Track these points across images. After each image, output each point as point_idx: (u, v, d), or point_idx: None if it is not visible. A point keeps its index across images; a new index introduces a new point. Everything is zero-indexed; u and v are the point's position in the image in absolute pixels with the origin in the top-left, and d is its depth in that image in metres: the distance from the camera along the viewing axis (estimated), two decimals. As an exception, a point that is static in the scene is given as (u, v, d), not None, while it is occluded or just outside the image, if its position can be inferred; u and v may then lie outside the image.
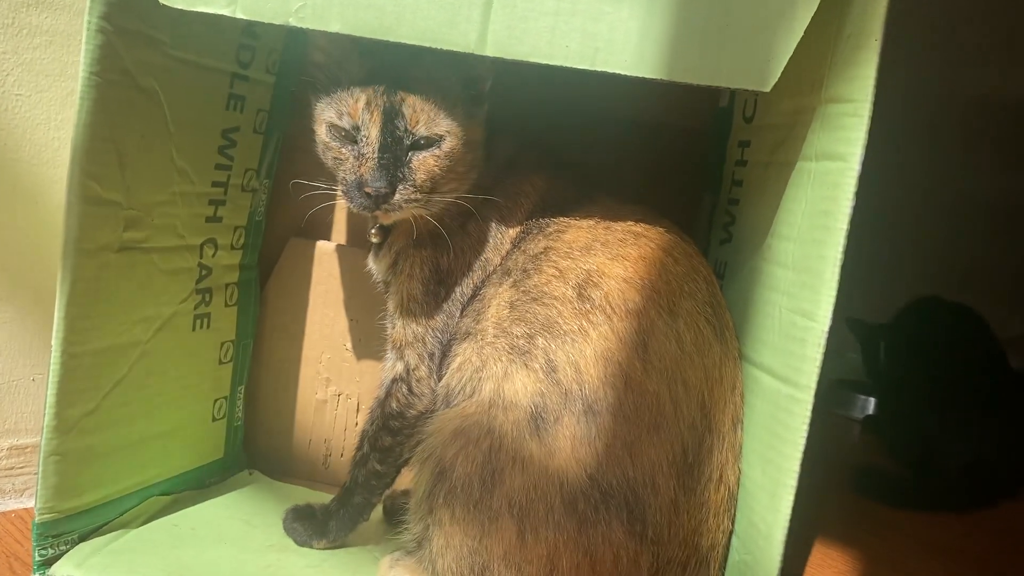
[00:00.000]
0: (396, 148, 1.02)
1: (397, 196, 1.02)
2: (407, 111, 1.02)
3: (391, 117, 1.01)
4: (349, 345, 1.42)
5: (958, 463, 1.79)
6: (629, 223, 1.07)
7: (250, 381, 1.41)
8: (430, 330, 1.14)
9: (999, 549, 1.56)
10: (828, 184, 0.89)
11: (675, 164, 1.33)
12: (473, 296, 1.13)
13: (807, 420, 0.89)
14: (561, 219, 1.10)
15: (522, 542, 0.93)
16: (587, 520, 0.92)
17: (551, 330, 0.99)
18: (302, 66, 1.32)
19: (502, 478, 0.94)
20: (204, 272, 1.24)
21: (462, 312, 1.13)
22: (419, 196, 1.04)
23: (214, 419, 1.33)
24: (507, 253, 1.13)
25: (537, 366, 0.98)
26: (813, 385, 0.89)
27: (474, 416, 1.00)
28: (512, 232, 1.14)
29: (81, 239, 1.01)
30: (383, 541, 1.25)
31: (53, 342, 1.01)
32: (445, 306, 1.14)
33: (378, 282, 1.22)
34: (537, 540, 0.92)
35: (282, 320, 1.43)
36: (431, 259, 1.14)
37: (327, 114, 1.05)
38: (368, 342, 1.42)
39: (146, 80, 1.05)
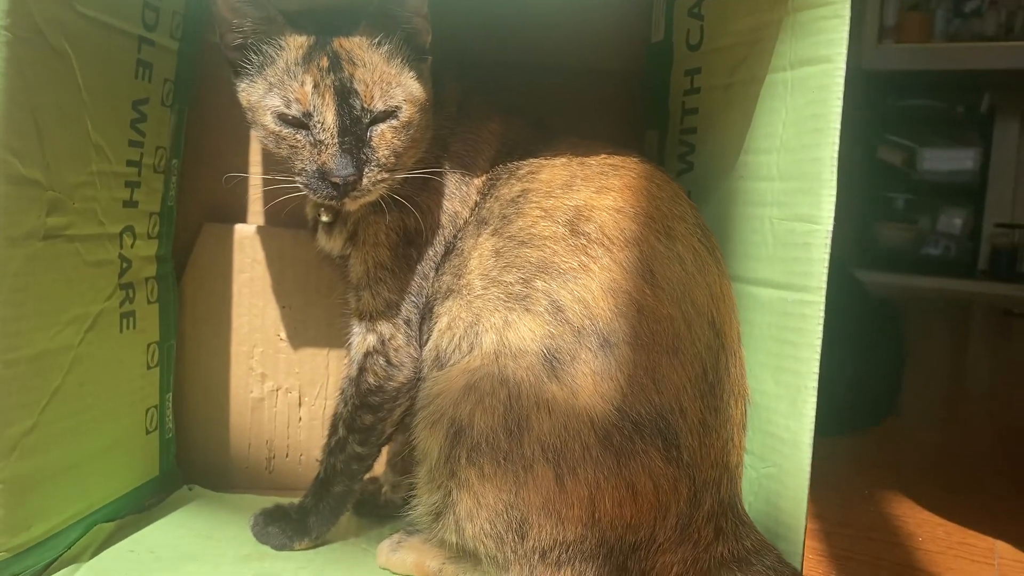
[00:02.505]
0: (356, 128, 0.94)
1: (365, 180, 0.95)
2: (360, 87, 0.95)
3: (345, 97, 0.94)
4: (283, 335, 1.31)
5: (842, 389, 1.92)
6: (602, 156, 1.05)
7: (176, 386, 1.26)
8: (404, 295, 1.07)
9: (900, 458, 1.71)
10: (812, 88, 0.91)
11: (608, 107, 1.32)
12: (447, 253, 1.07)
13: (821, 321, 0.91)
14: (531, 160, 1.07)
15: (561, 486, 0.89)
16: (625, 452, 0.89)
17: (548, 271, 0.96)
18: (206, 29, 1.21)
19: (528, 424, 0.90)
20: (125, 265, 1.10)
21: (437, 271, 1.07)
22: (386, 175, 0.97)
23: (147, 431, 1.18)
24: (476, 203, 1.08)
25: (541, 308, 0.94)
26: (824, 286, 0.90)
27: (482, 369, 0.94)
28: (478, 181, 1.09)
29: (7, 225, 0.86)
30: (362, 533, 1.17)
31: (-15, 349, 0.85)
32: (419, 268, 1.07)
33: (333, 258, 1.13)
34: (577, 481, 0.88)
35: (204, 315, 1.29)
36: (396, 222, 1.07)
37: (270, 102, 0.95)
38: (304, 329, 1.31)
39: (57, 40, 0.91)
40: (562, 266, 0.95)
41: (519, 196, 1.03)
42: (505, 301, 0.97)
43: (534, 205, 1.01)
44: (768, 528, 0.97)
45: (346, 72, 0.94)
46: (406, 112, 0.97)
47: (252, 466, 1.33)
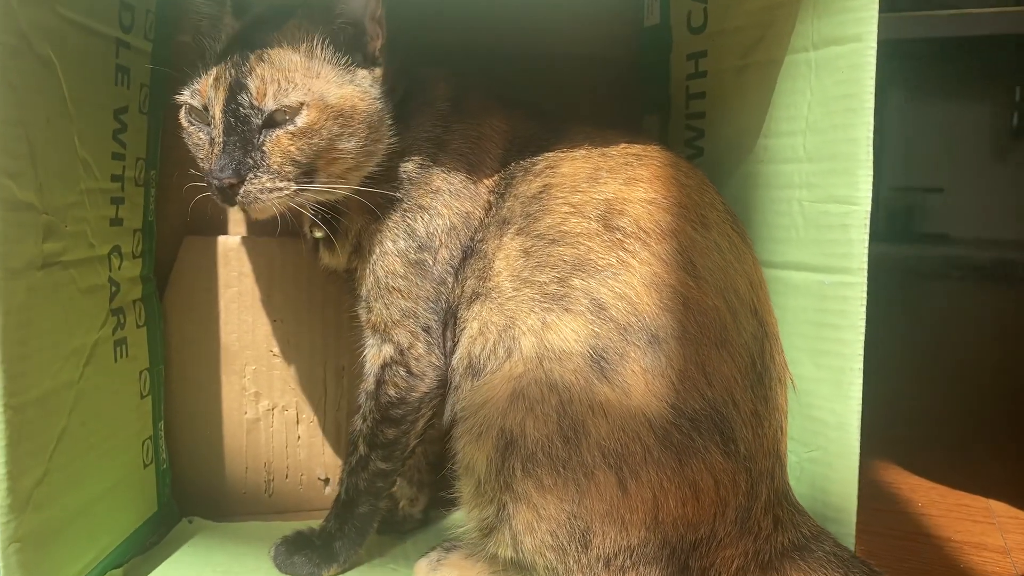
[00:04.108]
0: (243, 128, 0.88)
1: (249, 186, 0.88)
2: (253, 83, 0.88)
3: (235, 92, 0.88)
4: (276, 350, 1.24)
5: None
6: (623, 146, 1.02)
7: (166, 413, 1.18)
8: (421, 302, 1.02)
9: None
10: (842, 68, 0.90)
11: (601, 93, 1.30)
12: (466, 256, 1.03)
13: (863, 303, 0.91)
14: (546, 155, 1.03)
15: (624, 491, 0.86)
16: (685, 450, 0.87)
17: (584, 268, 0.92)
18: (176, 28, 1.12)
19: (585, 429, 0.87)
20: (114, 288, 1.01)
21: (456, 275, 1.02)
22: (283, 184, 0.89)
23: (144, 465, 1.09)
24: (491, 202, 1.04)
25: (582, 308, 0.91)
26: (865, 267, 0.90)
27: (527, 375, 0.90)
28: (488, 180, 1.05)
29: (7, 255, 0.77)
30: (385, 551, 1.12)
31: (-10, 395, 0.76)
32: (434, 272, 1.02)
33: (339, 273, 1.08)
34: (640, 484, 0.86)
35: (190, 335, 1.20)
36: (403, 228, 1.02)
37: (185, 94, 0.92)
38: (298, 343, 1.24)
39: (42, 47, 0.82)
40: (599, 263, 0.92)
41: (541, 192, 1.00)
42: (541, 302, 0.93)
43: (560, 201, 0.98)
44: (816, 512, 0.96)
45: (247, 66, 0.89)
46: (307, 117, 0.89)
47: (250, 491, 1.25)
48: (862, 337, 0.91)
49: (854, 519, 0.94)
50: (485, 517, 0.92)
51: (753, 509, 0.90)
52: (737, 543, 0.89)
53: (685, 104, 1.17)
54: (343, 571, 1.05)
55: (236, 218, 1.23)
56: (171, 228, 1.19)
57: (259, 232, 1.23)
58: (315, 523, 1.09)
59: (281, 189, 0.89)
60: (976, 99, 3.04)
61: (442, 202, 1.03)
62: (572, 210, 0.96)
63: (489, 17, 1.21)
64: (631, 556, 0.87)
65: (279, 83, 0.88)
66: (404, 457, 1.05)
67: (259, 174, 0.88)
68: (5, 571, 0.78)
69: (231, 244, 1.21)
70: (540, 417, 0.88)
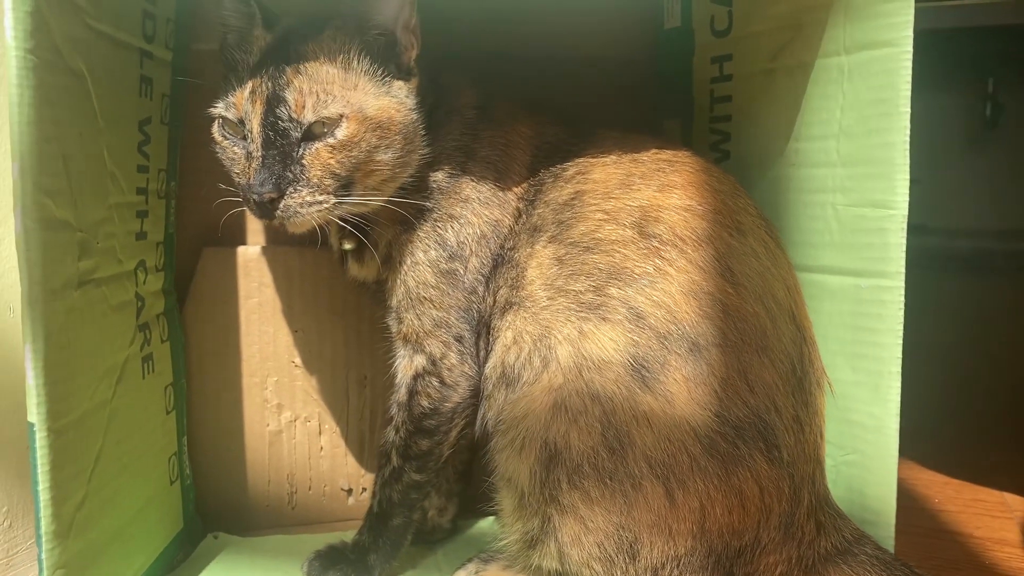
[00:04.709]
0: (282, 142, 0.87)
1: (289, 200, 0.87)
2: (291, 95, 0.87)
3: (274, 104, 0.87)
4: (298, 360, 1.22)
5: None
6: (653, 151, 1.01)
7: (188, 428, 1.16)
8: (452, 312, 1.01)
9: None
10: (876, 73, 0.90)
11: (618, 97, 1.28)
12: (496, 265, 1.02)
13: (901, 306, 0.91)
14: (576, 160, 1.02)
15: (671, 501, 0.86)
16: (731, 458, 0.87)
17: (621, 277, 0.92)
18: (194, 37, 1.10)
19: (631, 440, 0.86)
20: (140, 304, 0.99)
21: (487, 284, 1.02)
22: (322, 198, 0.89)
23: (171, 482, 1.08)
24: (520, 210, 1.03)
25: (620, 317, 0.90)
26: (903, 271, 0.91)
27: (567, 386, 0.90)
28: (517, 188, 1.04)
29: (47, 277, 0.75)
30: (417, 563, 1.11)
31: (34, 418, 0.75)
32: (465, 282, 1.01)
33: (368, 284, 1.07)
34: (687, 494, 0.86)
35: (211, 347, 1.19)
36: (434, 238, 1.01)
37: (219, 107, 0.91)
38: (320, 353, 1.23)
39: (74, 60, 0.80)
40: (636, 271, 0.92)
41: (573, 199, 0.99)
42: (577, 311, 0.92)
43: (593, 207, 0.97)
44: (853, 515, 0.97)
45: (284, 79, 0.88)
46: (347, 129, 0.89)
47: (273, 504, 1.24)
48: (900, 340, 0.92)
49: (893, 521, 0.94)
50: (528, 530, 0.91)
51: (796, 515, 0.90)
52: (780, 549, 0.89)
53: (709, 107, 1.17)
54: (377, 585, 1.04)
55: (254, 228, 1.21)
56: (189, 240, 1.17)
57: (278, 242, 1.21)
58: (343, 535, 1.09)
59: (321, 203, 0.88)
60: (949, 91, 3.06)
61: (472, 211, 1.02)
62: (606, 217, 0.96)
63: (505, 21, 1.21)
64: (678, 566, 0.87)
65: (318, 95, 0.87)
66: (438, 468, 1.04)
67: (299, 188, 0.86)
68: (51, 600, 0.76)
69: (251, 255, 1.19)
70: (584, 428, 0.87)
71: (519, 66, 1.20)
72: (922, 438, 1.66)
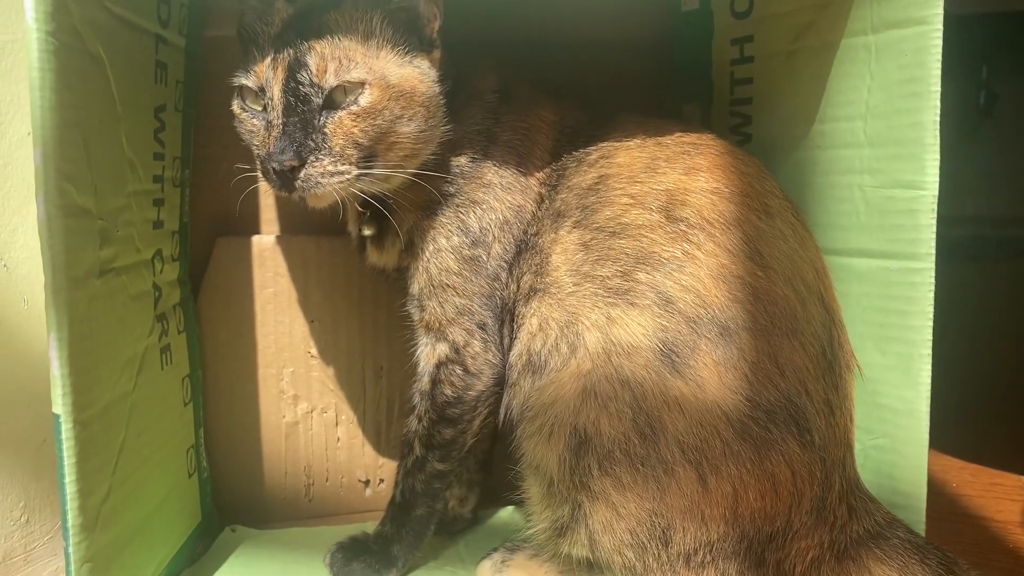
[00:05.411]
0: (303, 109, 0.85)
1: (310, 170, 0.85)
2: (313, 60, 0.85)
3: (295, 70, 0.85)
4: (314, 351, 1.20)
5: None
6: (677, 135, 1.00)
7: (204, 420, 1.14)
8: (476, 299, 1.00)
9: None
10: (905, 52, 0.89)
11: (635, 80, 1.27)
12: (519, 251, 1.00)
13: (931, 288, 0.90)
14: (599, 145, 1.01)
15: (704, 486, 0.85)
16: (764, 442, 0.86)
17: (648, 261, 0.91)
18: (206, 23, 1.08)
19: (662, 425, 0.85)
20: (158, 294, 0.98)
21: (510, 271, 1.00)
22: (344, 168, 0.87)
23: (189, 475, 1.06)
24: (543, 195, 1.02)
25: (648, 302, 0.89)
26: (933, 252, 0.90)
27: (596, 372, 0.88)
28: (539, 173, 1.02)
29: (69, 265, 0.74)
30: (440, 553, 1.10)
31: (59, 409, 0.73)
32: (488, 268, 1.00)
33: (388, 272, 1.05)
34: (720, 479, 0.85)
35: (226, 338, 1.17)
36: (456, 223, 0.99)
37: (239, 76, 0.89)
38: (336, 343, 1.21)
39: (93, 44, 0.78)
40: (663, 255, 0.90)
41: (597, 183, 0.98)
42: (604, 296, 0.91)
43: (619, 192, 0.96)
44: (883, 499, 0.96)
45: (306, 45, 0.86)
46: (370, 96, 0.87)
47: (290, 496, 1.22)
48: (931, 323, 0.91)
49: (923, 505, 0.94)
50: (558, 517, 0.90)
51: (828, 499, 0.89)
52: (812, 534, 0.88)
53: (730, 90, 1.15)
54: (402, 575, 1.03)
55: (268, 217, 1.20)
56: (202, 229, 1.15)
57: (293, 231, 1.19)
58: (362, 527, 1.07)
59: (343, 173, 0.86)
60: (943, 78, 3.06)
61: (494, 196, 1.01)
62: (632, 201, 0.94)
63: (521, 5, 1.19)
64: (711, 551, 0.86)
65: (340, 60, 0.85)
66: (461, 457, 1.03)
67: (320, 156, 0.84)
68: (78, 594, 0.75)
69: (266, 244, 1.17)
70: (615, 414, 0.86)
71: (536, 51, 1.19)
72: (935, 423, 1.67)
